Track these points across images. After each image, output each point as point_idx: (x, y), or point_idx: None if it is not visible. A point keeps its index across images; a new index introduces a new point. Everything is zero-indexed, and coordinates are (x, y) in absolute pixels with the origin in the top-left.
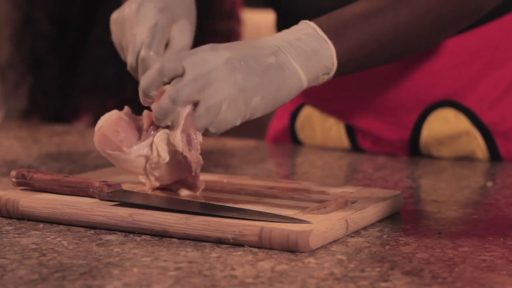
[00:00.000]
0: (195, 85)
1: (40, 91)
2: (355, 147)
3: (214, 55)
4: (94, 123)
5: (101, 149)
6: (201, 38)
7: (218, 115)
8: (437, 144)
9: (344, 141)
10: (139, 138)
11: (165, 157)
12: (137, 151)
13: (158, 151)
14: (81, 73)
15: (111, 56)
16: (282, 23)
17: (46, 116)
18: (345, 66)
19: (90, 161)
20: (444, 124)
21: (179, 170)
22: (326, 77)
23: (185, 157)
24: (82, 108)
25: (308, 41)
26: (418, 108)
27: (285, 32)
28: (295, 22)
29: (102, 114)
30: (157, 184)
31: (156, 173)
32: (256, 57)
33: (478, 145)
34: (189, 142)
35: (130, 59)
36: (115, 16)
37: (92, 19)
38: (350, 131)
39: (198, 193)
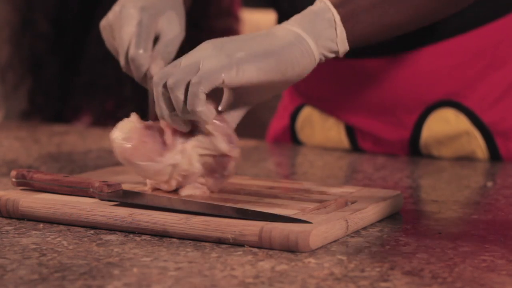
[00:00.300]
0: (175, 62)
1: (39, 92)
2: (355, 147)
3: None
4: (93, 123)
5: (128, 160)
6: (198, 36)
7: (198, 69)
8: (437, 144)
9: (344, 142)
10: (162, 145)
11: (198, 166)
12: (168, 160)
13: (190, 160)
14: (79, 73)
15: (109, 56)
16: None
17: (45, 117)
18: (350, 21)
19: (90, 161)
20: (444, 124)
21: (205, 172)
22: (333, 33)
23: (219, 159)
24: (81, 108)
25: (305, 11)
26: (418, 108)
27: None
28: None
29: (101, 114)
30: (174, 187)
31: (180, 178)
32: (244, 35)
33: (478, 145)
34: (230, 141)
35: (121, 61)
36: (103, 23)
37: (90, 19)
38: (350, 132)
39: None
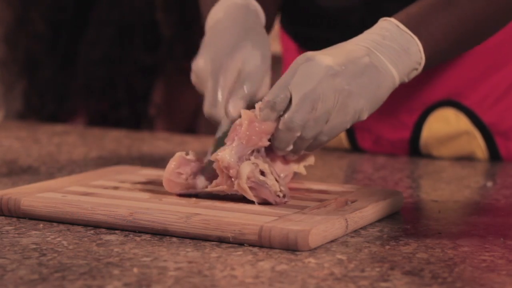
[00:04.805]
0: (305, 107)
1: (35, 93)
2: (354, 147)
3: (313, 67)
4: (88, 124)
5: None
6: (192, 36)
7: (327, 123)
8: (437, 144)
9: (344, 141)
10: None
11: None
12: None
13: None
14: (74, 74)
15: (103, 58)
16: (287, 21)
17: (41, 118)
18: (432, 59)
19: (90, 161)
20: (444, 124)
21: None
22: (415, 72)
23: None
24: (76, 110)
25: (394, 39)
26: (419, 108)
27: (369, 32)
28: (305, 19)
29: (96, 116)
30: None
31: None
32: (352, 59)
33: (478, 145)
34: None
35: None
36: (193, 80)
37: (85, 21)
38: (350, 131)
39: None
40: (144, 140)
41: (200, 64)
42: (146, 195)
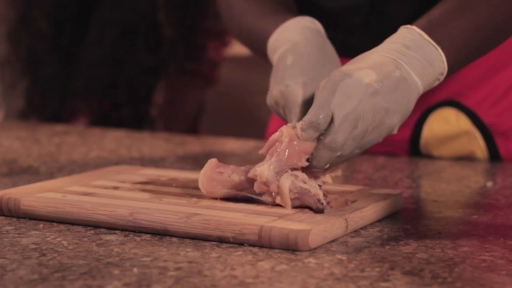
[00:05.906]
0: (347, 127)
1: (37, 92)
2: None
3: (353, 85)
4: (90, 123)
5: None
6: (194, 37)
7: (363, 138)
8: (437, 144)
9: None
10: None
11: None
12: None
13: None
14: (76, 75)
15: (105, 59)
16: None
17: (43, 117)
18: (453, 68)
19: (90, 161)
20: (444, 124)
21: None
22: (437, 82)
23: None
24: (78, 110)
25: (419, 49)
26: (420, 108)
27: (391, 41)
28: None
29: (98, 116)
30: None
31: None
32: (386, 74)
33: (478, 145)
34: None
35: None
36: (269, 101)
37: (88, 20)
38: None
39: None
40: (144, 140)
41: (291, 85)
42: (146, 195)
